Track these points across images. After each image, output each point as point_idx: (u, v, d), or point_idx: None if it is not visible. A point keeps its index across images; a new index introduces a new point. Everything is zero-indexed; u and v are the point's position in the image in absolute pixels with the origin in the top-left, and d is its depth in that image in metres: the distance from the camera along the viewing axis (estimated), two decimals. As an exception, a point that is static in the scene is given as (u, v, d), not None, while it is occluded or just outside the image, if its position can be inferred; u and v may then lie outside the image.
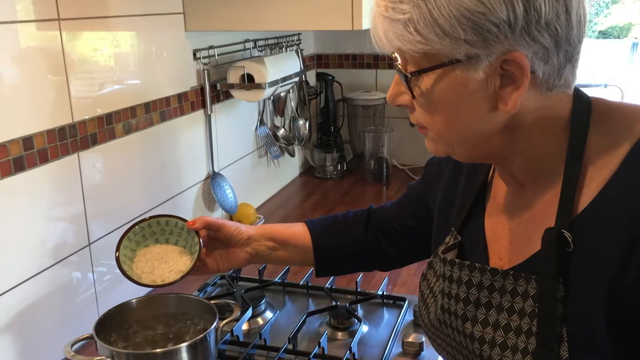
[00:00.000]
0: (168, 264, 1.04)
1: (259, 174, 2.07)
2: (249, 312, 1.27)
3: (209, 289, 1.46)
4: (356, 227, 1.10)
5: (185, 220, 1.04)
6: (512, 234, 0.77)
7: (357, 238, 1.09)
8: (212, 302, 1.09)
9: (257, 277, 1.47)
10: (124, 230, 1.05)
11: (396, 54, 0.69)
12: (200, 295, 1.41)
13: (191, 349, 0.98)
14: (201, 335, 0.99)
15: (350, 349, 1.13)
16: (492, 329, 0.73)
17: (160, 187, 1.50)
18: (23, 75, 1.07)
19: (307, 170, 2.48)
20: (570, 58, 0.66)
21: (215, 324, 1.02)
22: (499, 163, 0.78)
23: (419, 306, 0.89)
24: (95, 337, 0.96)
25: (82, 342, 1.04)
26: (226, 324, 1.05)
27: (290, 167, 2.35)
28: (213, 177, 1.73)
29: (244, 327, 1.28)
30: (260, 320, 1.31)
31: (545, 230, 0.68)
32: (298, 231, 1.10)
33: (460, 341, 0.77)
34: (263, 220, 1.89)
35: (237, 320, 1.21)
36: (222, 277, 1.48)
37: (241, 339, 1.21)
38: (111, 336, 1.03)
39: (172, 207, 1.54)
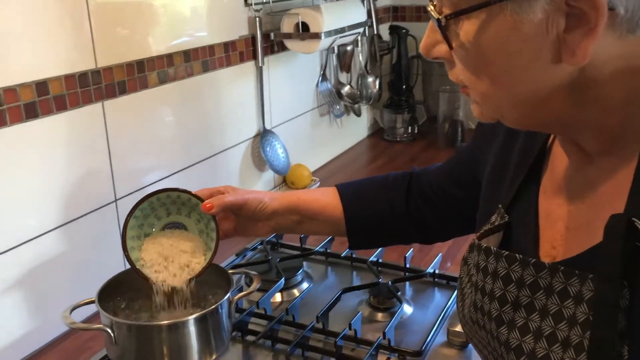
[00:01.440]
0: (179, 260, 0.91)
1: (320, 133, 1.94)
2: (281, 283, 1.16)
3: (249, 254, 1.36)
4: (395, 194, 0.94)
5: (200, 199, 0.90)
6: (570, 216, 0.59)
7: (396, 208, 0.93)
8: (231, 271, 0.98)
9: (299, 245, 1.35)
10: (155, 189, 0.93)
11: None
12: (238, 260, 1.32)
13: (199, 322, 0.87)
14: (212, 307, 0.88)
15: (384, 334, 0.99)
16: (533, 338, 0.56)
17: (200, 143, 1.40)
18: (35, 11, 0.98)
19: (377, 132, 2.32)
20: None
21: (228, 295, 0.91)
22: (561, 132, 0.60)
23: (457, 294, 0.74)
24: (97, 304, 0.88)
25: (91, 309, 0.97)
26: (242, 296, 0.94)
27: (356, 128, 2.19)
28: (263, 135, 1.61)
29: (277, 298, 1.18)
30: (296, 292, 1.20)
31: (610, 217, 0.50)
32: (328, 203, 0.96)
33: (494, 347, 0.61)
34: (318, 184, 1.77)
35: (264, 291, 1.11)
36: (262, 242, 1.38)
37: (269, 312, 1.10)
38: (117, 303, 0.95)
39: (214, 165, 1.45)
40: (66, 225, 1.08)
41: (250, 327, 1.06)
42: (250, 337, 1.05)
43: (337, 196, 0.96)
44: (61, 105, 1.03)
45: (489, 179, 0.76)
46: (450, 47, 0.54)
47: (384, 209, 0.95)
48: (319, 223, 0.96)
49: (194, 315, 0.86)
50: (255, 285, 0.96)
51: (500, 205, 0.69)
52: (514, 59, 0.51)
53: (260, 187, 1.65)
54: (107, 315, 0.86)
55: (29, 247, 1.01)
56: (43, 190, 1.03)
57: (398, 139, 2.20)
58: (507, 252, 0.60)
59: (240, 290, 1.16)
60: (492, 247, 0.63)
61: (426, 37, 0.58)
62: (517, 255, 0.59)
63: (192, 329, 0.87)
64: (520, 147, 0.70)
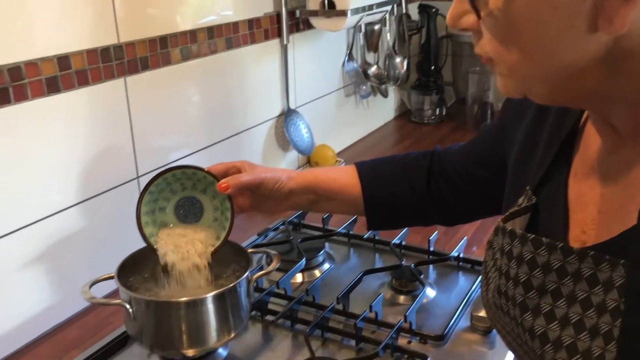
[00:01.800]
0: (194, 249, 0.90)
1: (345, 114, 1.91)
2: (302, 264, 1.14)
3: (271, 234, 1.34)
4: (416, 174, 0.91)
5: (215, 178, 0.88)
6: (602, 200, 0.56)
7: (417, 188, 0.91)
8: (251, 250, 0.97)
9: (321, 225, 1.33)
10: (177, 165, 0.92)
11: None
12: (259, 240, 1.30)
13: (218, 300, 0.86)
14: (230, 285, 0.87)
15: (405, 317, 0.97)
16: (559, 325, 0.53)
17: (223, 121, 1.39)
18: (59, -13, 0.97)
19: (404, 113, 2.28)
20: None
21: (247, 274, 0.90)
22: (593, 108, 0.57)
23: (482, 279, 0.71)
24: (116, 280, 0.88)
25: (112, 285, 0.96)
26: (261, 275, 0.93)
27: (383, 109, 2.16)
28: (288, 115, 1.59)
29: (298, 279, 1.16)
30: (317, 273, 1.18)
31: None
32: (347, 183, 0.93)
33: (519, 333, 0.59)
34: (343, 165, 1.74)
35: (285, 272, 1.09)
36: (284, 222, 1.36)
37: (289, 292, 1.09)
38: (138, 278, 0.95)
39: (237, 145, 1.44)
40: (88, 201, 1.08)
41: (270, 306, 1.05)
42: (269, 317, 1.04)
43: (356, 175, 0.94)
44: (83, 80, 1.02)
45: (517, 159, 0.73)
46: (479, 16, 0.51)
47: (403, 188, 0.92)
48: (337, 203, 0.94)
49: (212, 293, 0.86)
50: (275, 264, 0.94)
51: (527, 187, 0.66)
52: (545, 28, 0.48)
53: (283, 167, 1.63)
54: (125, 291, 0.86)
55: (50, 222, 1.01)
56: (65, 166, 1.03)
57: (425, 121, 2.16)
58: (533, 236, 0.57)
59: (261, 269, 1.15)
60: (517, 230, 0.60)
61: (453, 8, 0.55)
62: (543, 239, 0.56)
63: (210, 306, 0.86)
64: (551, 123, 0.67)
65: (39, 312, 1.02)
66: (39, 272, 1.01)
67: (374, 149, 1.93)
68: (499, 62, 0.53)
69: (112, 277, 0.90)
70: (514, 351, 0.65)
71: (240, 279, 0.88)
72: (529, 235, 0.57)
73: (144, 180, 1.17)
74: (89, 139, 1.06)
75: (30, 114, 0.95)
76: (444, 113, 2.17)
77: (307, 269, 1.17)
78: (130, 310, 0.85)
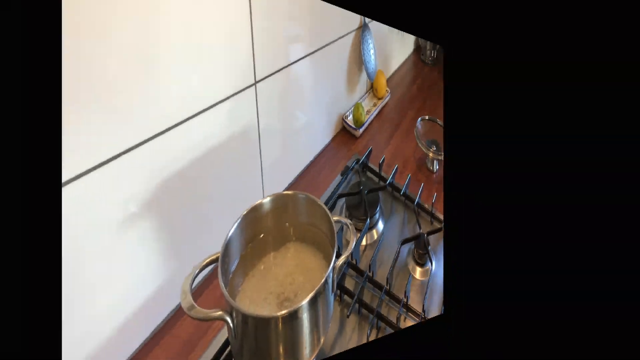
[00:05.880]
0: None
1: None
2: (367, 225, 1.02)
3: (350, 174, 1.18)
4: None
5: None
6: None
7: None
8: (335, 218, 0.79)
9: (377, 169, 1.19)
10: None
11: None
12: (342, 184, 1.14)
13: (311, 304, 0.69)
14: (322, 282, 0.69)
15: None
16: None
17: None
18: None
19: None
20: None
21: (333, 261, 0.72)
22: None
23: None
24: (220, 275, 0.66)
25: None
26: (345, 261, 0.78)
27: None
28: (364, 29, 1.38)
29: (362, 242, 1.05)
30: (375, 234, 1.07)
31: None
32: None
33: None
34: (389, 97, 1.51)
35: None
36: (358, 162, 1.20)
37: (358, 263, 0.99)
38: (244, 261, 0.78)
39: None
40: (196, 117, 0.77)
41: (346, 284, 0.96)
42: (347, 298, 0.92)
43: None
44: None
45: None
46: None
47: None
48: None
49: (307, 299, 0.67)
50: (352, 243, 0.79)
51: None
52: None
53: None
54: (229, 300, 0.65)
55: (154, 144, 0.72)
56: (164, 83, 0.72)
57: (428, 62, 1.96)
58: None
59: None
60: None
61: None
62: None
63: (305, 315, 0.69)
64: None
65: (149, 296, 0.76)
66: (144, 230, 0.73)
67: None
68: None
69: (215, 261, 0.69)
70: None
71: (329, 269, 0.71)
72: None
73: (262, 87, 0.90)
74: (199, 28, 0.74)
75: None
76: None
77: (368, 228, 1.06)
78: (231, 324, 0.67)
